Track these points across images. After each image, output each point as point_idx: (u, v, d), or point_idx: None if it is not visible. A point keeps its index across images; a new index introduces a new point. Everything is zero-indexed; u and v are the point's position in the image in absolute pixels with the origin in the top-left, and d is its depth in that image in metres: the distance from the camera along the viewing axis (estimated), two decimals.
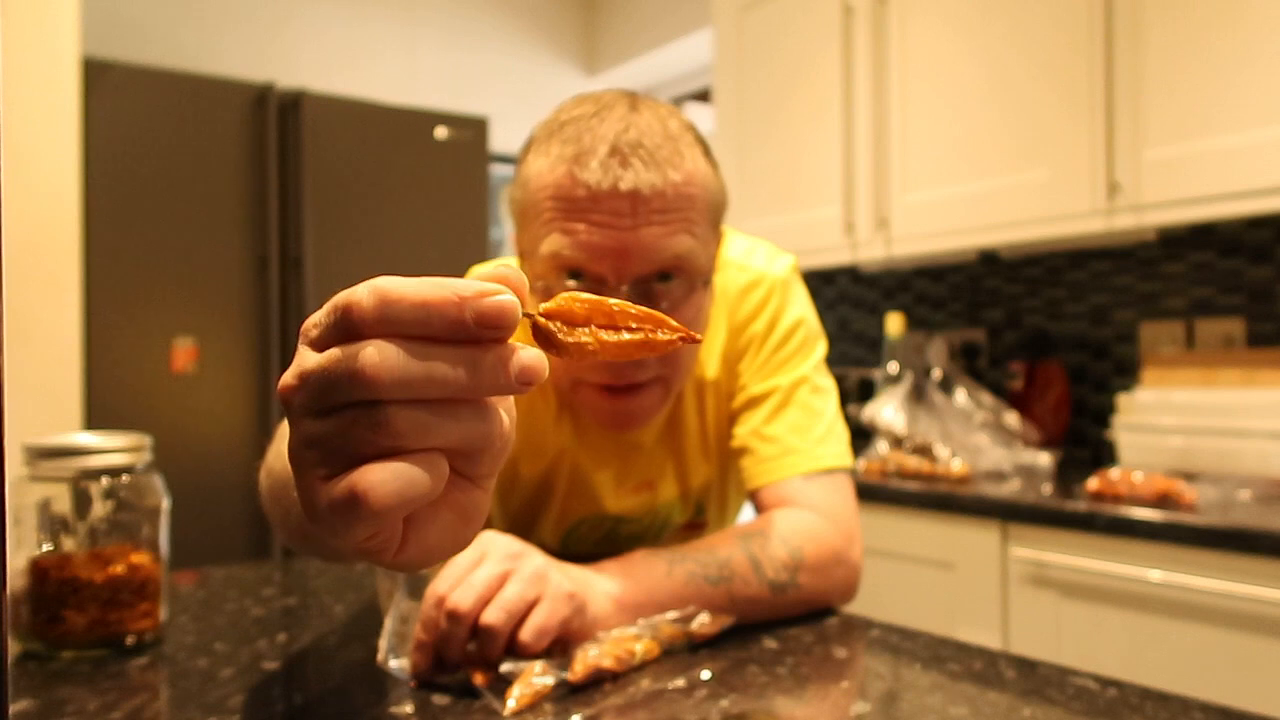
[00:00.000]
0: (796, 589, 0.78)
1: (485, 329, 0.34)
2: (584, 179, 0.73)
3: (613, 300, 0.38)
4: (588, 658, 0.64)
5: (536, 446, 0.90)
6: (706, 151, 0.80)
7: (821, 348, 0.96)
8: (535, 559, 0.66)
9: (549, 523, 0.96)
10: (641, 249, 0.74)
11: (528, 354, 0.35)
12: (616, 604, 0.69)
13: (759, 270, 0.93)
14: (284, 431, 0.55)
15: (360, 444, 0.34)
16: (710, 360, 0.92)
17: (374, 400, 0.33)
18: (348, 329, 0.34)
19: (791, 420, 0.88)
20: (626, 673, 0.66)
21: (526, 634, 0.62)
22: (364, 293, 0.34)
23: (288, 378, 0.35)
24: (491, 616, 0.61)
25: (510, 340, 0.35)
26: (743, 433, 0.90)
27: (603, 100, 0.78)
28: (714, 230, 0.81)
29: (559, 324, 0.37)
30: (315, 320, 0.35)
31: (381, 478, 0.33)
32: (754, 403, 0.90)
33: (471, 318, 0.34)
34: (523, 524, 0.96)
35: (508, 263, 0.39)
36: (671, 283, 0.76)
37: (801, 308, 0.95)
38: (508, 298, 0.34)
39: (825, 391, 0.93)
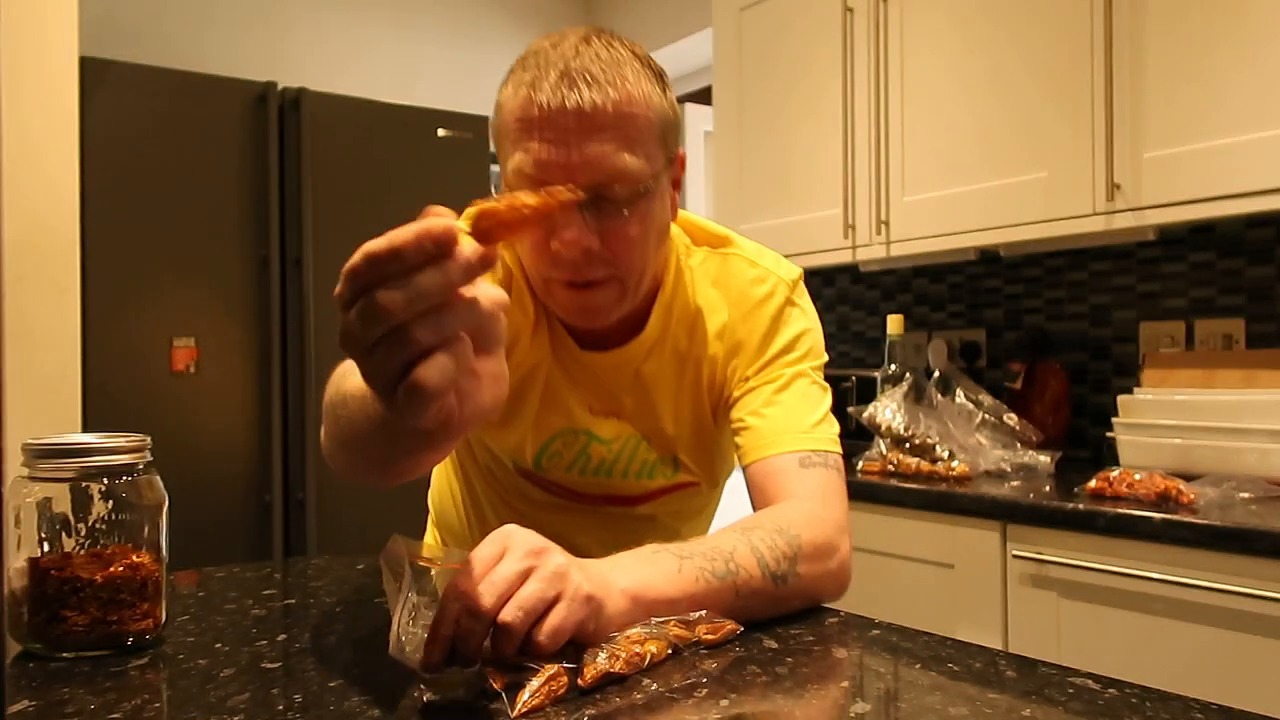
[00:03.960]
0: (796, 579, 0.81)
1: (438, 244, 0.49)
2: (538, 100, 0.82)
3: (521, 193, 0.55)
4: (598, 663, 0.64)
5: (517, 359, 0.96)
6: (657, 78, 0.88)
7: (823, 359, 1.01)
8: (556, 557, 0.67)
9: (529, 434, 0.99)
10: (585, 163, 0.82)
11: (472, 248, 0.50)
12: (632, 602, 0.71)
13: (767, 268, 1.00)
14: (346, 371, 0.71)
15: (403, 356, 0.49)
16: (706, 336, 0.98)
17: (396, 325, 0.49)
18: (356, 286, 0.49)
19: (789, 404, 0.94)
20: (633, 674, 0.66)
21: (543, 635, 0.63)
22: (357, 257, 0.49)
23: (339, 335, 0.52)
24: (510, 615, 0.62)
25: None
26: (740, 414, 0.95)
27: (564, 34, 0.88)
28: (662, 148, 0.88)
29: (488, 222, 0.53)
30: (338, 291, 0.51)
31: (426, 371, 0.49)
32: (753, 389, 0.95)
33: (426, 242, 0.49)
34: (508, 433, 1.00)
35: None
36: (617, 193, 0.84)
37: (810, 320, 1.01)
38: (442, 221, 0.50)
39: (823, 389, 0.98)
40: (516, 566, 0.64)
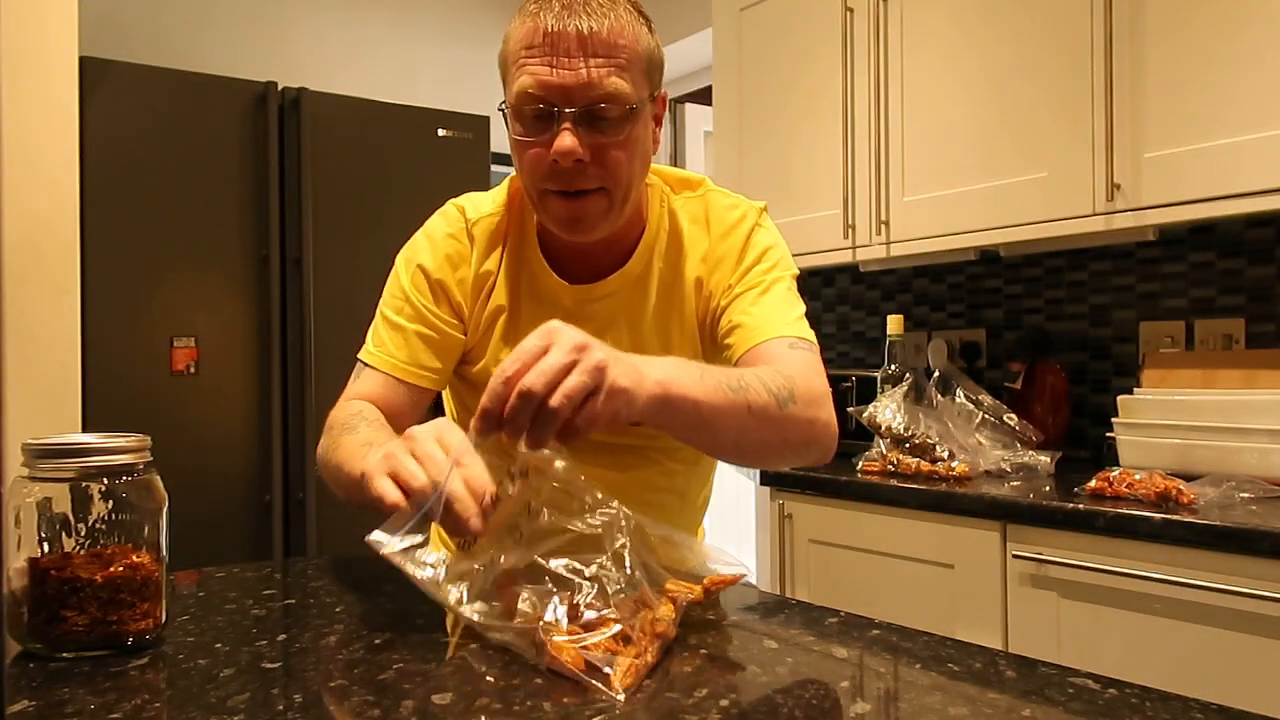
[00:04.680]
0: (795, 408, 0.91)
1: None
2: (543, 25, 0.94)
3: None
4: (633, 662, 0.64)
5: (495, 302, 1.09)
6: (644, 20, 1.00)
7: (795, 272, 1.11)
8: (597, 352, 0.74)
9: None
10: (581, 85, 0.93)
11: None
12: (661, 397, 0.79)
13: (738, 199, 1.13)
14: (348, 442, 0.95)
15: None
16: (689, 264, 1.09)
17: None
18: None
19: (772, 304, 1.05)
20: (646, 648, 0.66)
21: (581, 420, 0.73)
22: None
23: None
24: (556, 401, 0.71)
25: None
26: (729, 318, 1.05)
27: None
28: (647, 81, 0.99)
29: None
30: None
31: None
32: (739, 295, 1.06)
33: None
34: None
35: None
36: (608, 111, 0.95)
37: (778, 239, 1.12)
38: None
39: (799, 299, 1.08)
40: (563, 359, 0.72)
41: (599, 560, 0.72)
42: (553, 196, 0.98)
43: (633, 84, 0.96)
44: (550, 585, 0.70)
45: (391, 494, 0.72)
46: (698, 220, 1.10)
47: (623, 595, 0.71)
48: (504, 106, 0.99)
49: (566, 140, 0.93)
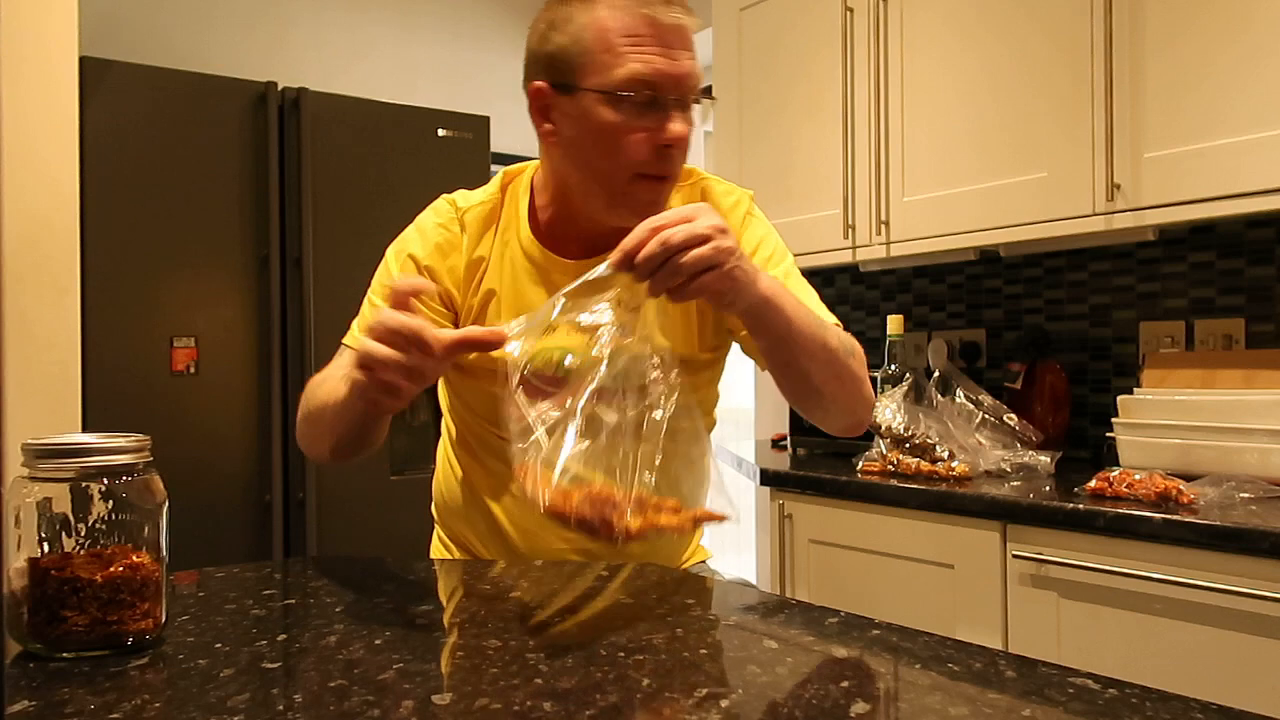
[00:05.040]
0: (854, 362, 1.04)
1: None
2: (653, 17, 0.99)
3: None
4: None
5: (487, 284, 1.15)
6: None
7: (791, 255, 1.20)
8: (730, 238, 0.86)
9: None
10: (686, 75, 1.01)
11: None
12: (763, 303, 0.91)
13: (731, 185, 1.21)
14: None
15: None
16: None
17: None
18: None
19: (800, 292, 1.10)
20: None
21: (695, 285, 0.84)
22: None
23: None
24: (686, 259, 0.82)
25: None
26: None
27: None
28: None
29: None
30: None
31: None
32: (766, 263, 1.14)
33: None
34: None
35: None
36: (694, 103, 1.03)
37: (769, 225, 1.21)
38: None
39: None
40: (705, 230, 0.83)
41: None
42: (643, 180, 1.02)
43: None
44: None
45: (374, 346, 0.78)
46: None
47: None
48: (586, 88, 1.00)
49: (680, 126, 1.00)
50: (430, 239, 1.12)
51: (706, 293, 0.85)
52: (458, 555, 1.22)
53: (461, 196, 1.15)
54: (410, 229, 1.16)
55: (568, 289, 0.83)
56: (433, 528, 1.29)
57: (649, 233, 0.82)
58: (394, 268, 1.13)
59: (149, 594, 0.73)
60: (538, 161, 1.16)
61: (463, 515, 1.19)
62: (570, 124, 1.03)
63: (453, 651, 0.73)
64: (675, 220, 0.84)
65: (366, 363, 0.78)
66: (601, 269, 0.84)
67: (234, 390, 2.37)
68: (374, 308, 1.10)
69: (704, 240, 0.83)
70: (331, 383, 1.02)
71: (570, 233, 1.11)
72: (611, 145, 1.01)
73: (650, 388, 0.82)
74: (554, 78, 1.03)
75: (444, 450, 1.25)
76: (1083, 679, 0.64)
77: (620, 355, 0.82)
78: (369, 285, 1.17)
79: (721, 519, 0.83)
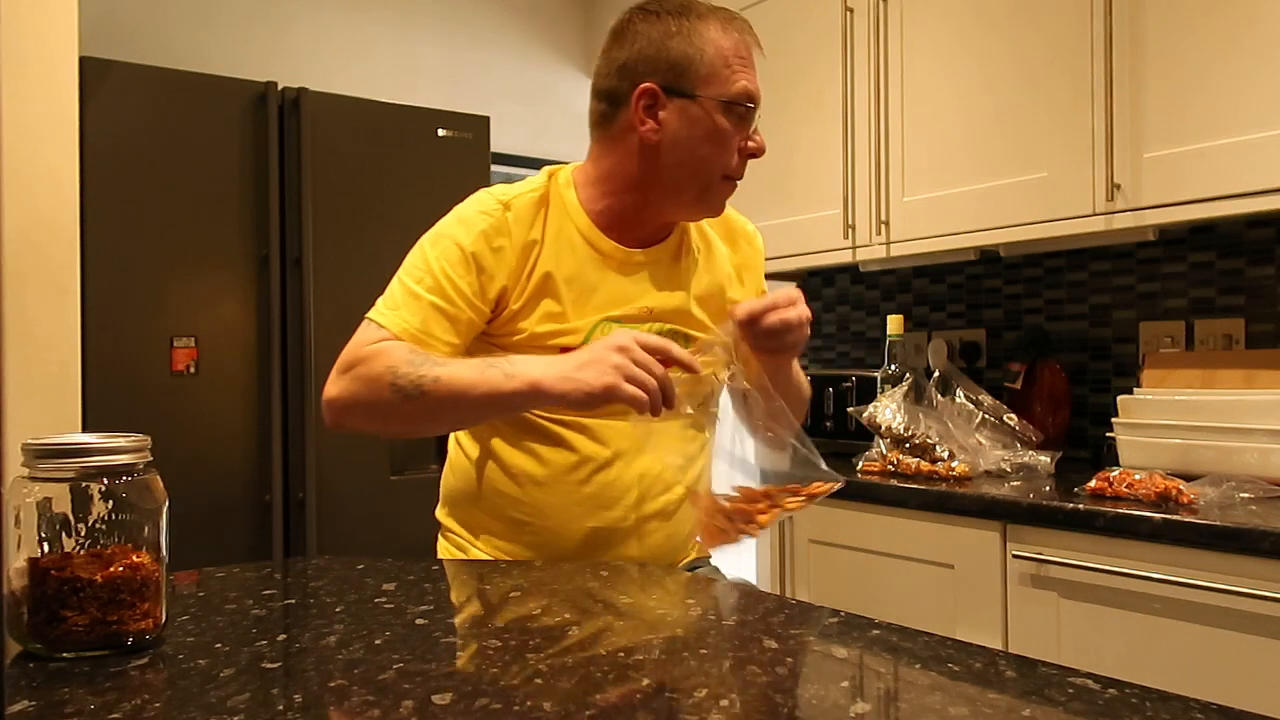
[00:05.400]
0: (805, 384, 1.38)
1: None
2: (745, 41, 1.18)
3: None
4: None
5: (542, 267, 1.24)
6: None
7: None
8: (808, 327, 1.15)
9: (584, 318, 1.21)
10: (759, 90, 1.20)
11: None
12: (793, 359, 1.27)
13: (743, 218, 1.37)
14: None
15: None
16: (718, 249, 1.32)
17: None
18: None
19: None
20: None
21: (790, 350, 1.16)
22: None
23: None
24: (793, 338, 1.11)
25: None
26: None
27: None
28: None
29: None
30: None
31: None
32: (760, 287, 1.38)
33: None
34: (565, 323, 1.22)
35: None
36: None
37: None
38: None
39: None
40: (807, 315, 1.12)
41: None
42: (726, 182, 1.19)
43: None
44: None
45: (640, 396, 0.97)
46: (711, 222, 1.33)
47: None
48: (707, 95, 1.14)
49: (762, 138, 1.19)
50: (475, 226, 1.15)
51: (782, 356, 1.16)
52: (472, 551, 1.22)
53: (500, 190, 1.19)
54: (449, 220, 1.18)
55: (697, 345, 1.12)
56: (437, 528, 1.29)
57: (768, 307, 1.08)
58: (431, 253, 1.14)
59: (149, 594, 0.73)
60: (574, 163, 1.25)
61: (486, 504, 1.20)
62: (682, 124, 1.14)
63: (453, 651, 0.73)
64: (786, 302, 1.09)
65: (638, 378, 0.98)
66: (730, 329, 1.09)
67: (234, 390, 2.37)
68: (413, 295, 1.12)
69: (805, 322, 1.11)
70: (459, 370, 1.05)
71: (627, 225, 1.20)
72: (718, 147, 1.15)
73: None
74: (670, 81, 1.14)
75: (466, 442, 1.25)
76: (1083, 679, 0.64)
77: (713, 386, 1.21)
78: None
79: (833, 487, 1.07)
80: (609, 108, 1.18)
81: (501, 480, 1.18)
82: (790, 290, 1.12)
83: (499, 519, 1.19)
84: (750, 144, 1.18)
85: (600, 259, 1.19)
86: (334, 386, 1.10)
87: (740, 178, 1.20)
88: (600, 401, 0.98)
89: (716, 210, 1.23)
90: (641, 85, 1.14)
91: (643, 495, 1.17)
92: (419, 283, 1.12)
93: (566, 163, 1.27)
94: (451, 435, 1.28)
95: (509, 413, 1.12)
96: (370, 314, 1.13)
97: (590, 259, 1.19)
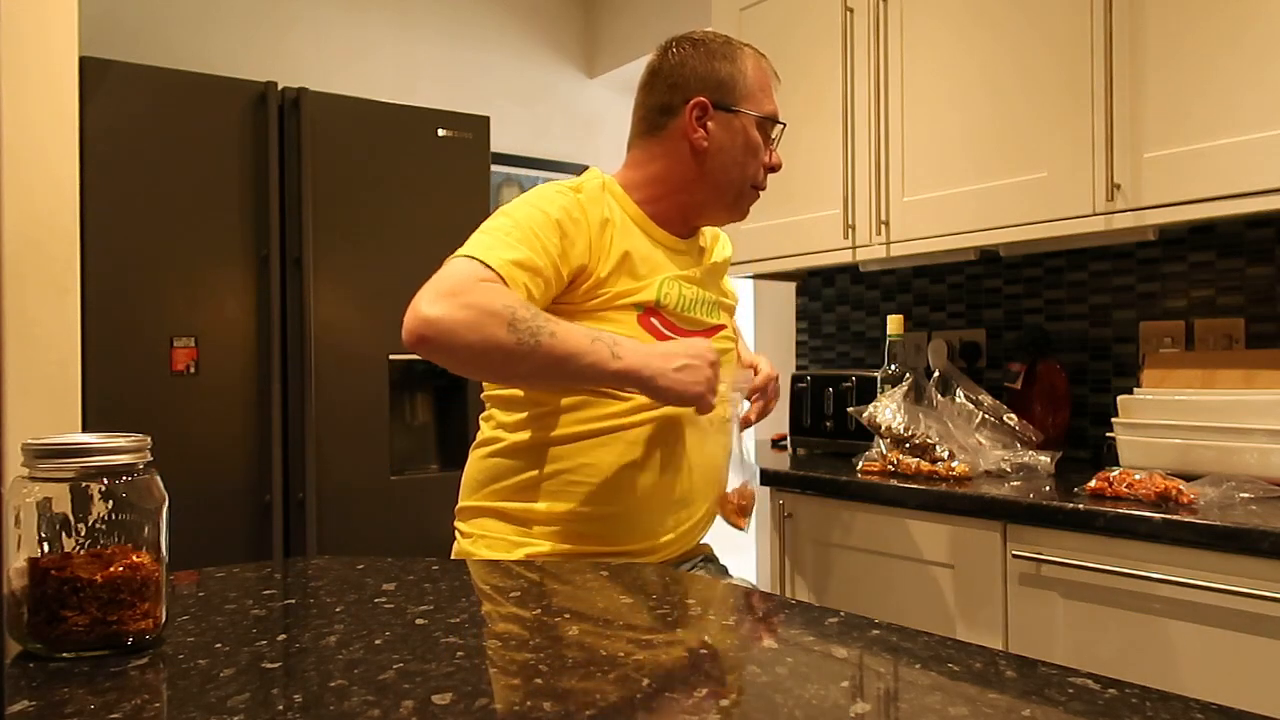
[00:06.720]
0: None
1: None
2: (773, 74, 1.39)
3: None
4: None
5: (619, 245, 1.33)
6: None
7: None
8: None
9: (649, 282, 1.31)
10: None
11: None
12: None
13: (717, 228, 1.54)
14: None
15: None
16: (719, 247, 1.50)
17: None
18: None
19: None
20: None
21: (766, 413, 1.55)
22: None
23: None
24: (774, 406, 1.57)
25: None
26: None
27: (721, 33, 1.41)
28: None
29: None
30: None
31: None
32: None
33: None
34: (639, 284, 1.31)
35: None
36: None
37: None
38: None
39: None
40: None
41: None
42: (753, 190, 1.37)
43: None
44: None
45: (714, 407, 1.19)
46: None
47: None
48: (748, 111, 1.32)
49: (779, 155, 1.39)
50: (555, 201, 1.21)
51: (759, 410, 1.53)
52: (520, 548, 1.22)
53: (561, 180, 1.31)
54: (530, 197, 1.23)
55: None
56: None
57: (767, 380, 1.53)
58: (519, 215, 1.18)
59: (149, 594, 0.73)
60: (610, 173, 1.38)
61: (564, 496, 1.23)
62: (727, 135, 1.32)
63: (453, 651, 0.73)
64: (773, 379, 1.54)
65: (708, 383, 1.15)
66: (738, 393, 1.40)
67: (234, 390, 2.37)
68: (508, 245, 1.14)
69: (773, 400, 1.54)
70: (578, 337, 1.10)
71: (670, 222, 1.36)
72: (752, 158, 1.33)
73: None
74: (718, 96, 1.31)
75: (534, 435, 1.26)
76: (1083, 679, 0.64)
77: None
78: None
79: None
80: (660, 117, 1.33)
81: (593, 474, 1.22)
82: (771, 371, 1.53)
83: (572, 513, 1.22)
84: (773, 159, 1.36)
85: (654, 243, 1.33)
86: (436, 307, 1.05)
87: (764, 189, 1.38)
88: (688, 404, 1.13)
89: (743, 214, 1.39)
90: (695, 99, 1.31)
91: (702, 493, 1.34)
92: (509, 235, 1.15)
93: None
94: (500, 429, 1.29)
95: (596, 386, 1.20)
96: (461, 251, 1.13)
97: (649, 241, 1.32)
